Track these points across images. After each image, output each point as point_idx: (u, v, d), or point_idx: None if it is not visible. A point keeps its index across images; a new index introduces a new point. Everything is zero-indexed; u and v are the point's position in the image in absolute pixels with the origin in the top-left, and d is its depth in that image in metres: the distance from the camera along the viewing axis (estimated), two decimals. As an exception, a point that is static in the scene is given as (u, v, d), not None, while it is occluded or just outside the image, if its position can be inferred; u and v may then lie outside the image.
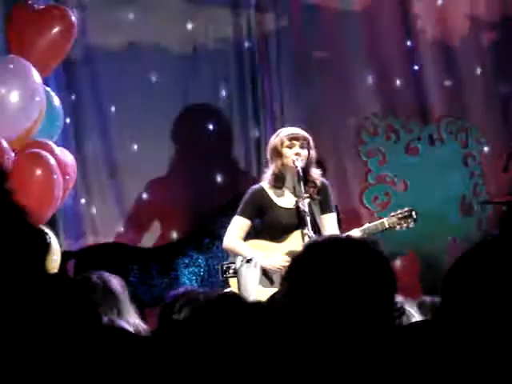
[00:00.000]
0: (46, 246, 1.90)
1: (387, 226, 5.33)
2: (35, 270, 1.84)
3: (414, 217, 5.43)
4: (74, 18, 5.53)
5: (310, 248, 2.07)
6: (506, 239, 1.89)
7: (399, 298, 2.60)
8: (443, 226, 7.19)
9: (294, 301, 1.98)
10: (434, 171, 7.23)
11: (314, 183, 5.31)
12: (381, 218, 5.52)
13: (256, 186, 5.35)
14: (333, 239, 2.12)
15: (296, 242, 5.14)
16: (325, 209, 5.34)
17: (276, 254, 5.11)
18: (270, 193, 5.29)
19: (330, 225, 5.31)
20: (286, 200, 5.29)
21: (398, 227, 5.40)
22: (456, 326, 1.82)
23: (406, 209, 5.47)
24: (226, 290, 5.12)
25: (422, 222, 7.00)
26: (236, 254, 5.21)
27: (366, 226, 5.34)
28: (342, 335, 1.93)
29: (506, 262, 1.84)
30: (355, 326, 1.94)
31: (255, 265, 4.75)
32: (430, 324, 2.18)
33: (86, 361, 1.88)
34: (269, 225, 5.27)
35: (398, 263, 7.07)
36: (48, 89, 5.64)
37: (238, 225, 5.27)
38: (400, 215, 5.41)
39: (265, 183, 5.33)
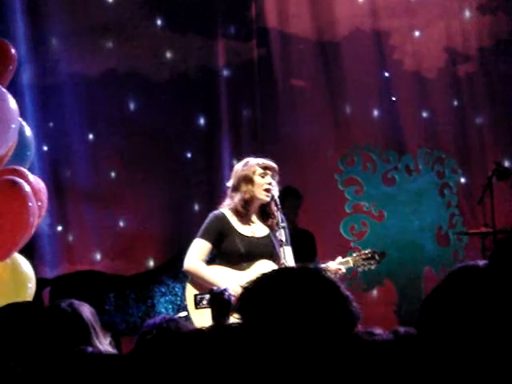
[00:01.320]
0: None
1: (351, 265, 5.37)
2: None
3: (377, 258, 5.47)
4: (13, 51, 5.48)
5: (260, 280, 2.08)
6: (493, 271, 1.89)
7: (378, 331, 2.59)
8: (419, 256, 7.22)
9: (244, 326, 1.98)
10: (411, 201, 7.27)
11: (274, 216, 5.32)
12: (353, 250, 5.54)
13: (217, 212, 5.32)
14: (282, 270, 2.14)
15: (261, 271, 5.10)
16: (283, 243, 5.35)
17: (235, 282, 5.09)
18: (232, 219, 5.28)
19: (288, 257, 5.31)
20: (247, 228, 5.29)
21: (360, 268, 5.46)
22: (430, 352, 1.82)
23: (369, 250, 5.50)
24: (180, 315, 5.10)
25: (398, 252, 7.05)
26: (198, 277, 5.18)
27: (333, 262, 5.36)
28: (290, 361, 1.93)
29: (482, 292, 1.85)
30: (306, 353, 1.94)
31: (228, 296, 4.72)
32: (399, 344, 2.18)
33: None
34: (227, 251, 5.25)
35: (374, 293, 7.08)
36: (19, 118, 5.63)
37: (200, 247, 5.24)
38: (364, 256, 5.45)
39: (225, 210, 5.32)
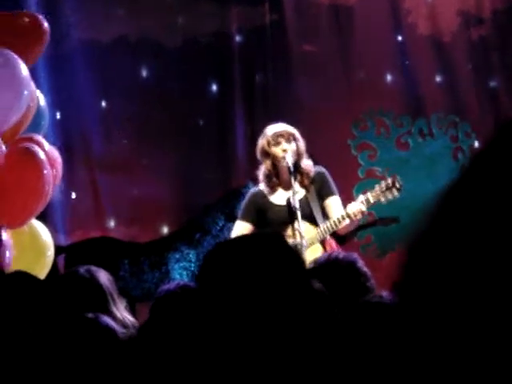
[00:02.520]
0: None
1: (372, 202, 5.29)
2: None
3: (397, 186, 5.37)
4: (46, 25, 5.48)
5: (215, 249, 2.11)
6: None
7: (387, 295, 2.60)
8: (433, 221, 7.19)
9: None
10: (424, 165, 7.25)
11: (308, 174, 5.32)
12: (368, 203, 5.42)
13: (254, 189, 5.39)
14: (236, 239, 2.18)
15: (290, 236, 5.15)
16: (324, 195, 5.34)
17: None
18: (267, 193, 5.32)
19: (334, 207, 5.31)
20: (280, 197, 5.31)
21: (382, 199, 5.34)
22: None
23: (387, 180, 5.41)
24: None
25: (411, 217, 7.03)
26: None
27: (353, 204, 5.29)
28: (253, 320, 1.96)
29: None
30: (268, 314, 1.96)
31: None
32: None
33: (63, 356, 1.89)
34: (269, 223, 5.29)
35: (387, 259, 7.08)
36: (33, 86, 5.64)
37: (240, 229, 5.31)
38: (384, 187, 5.36)
39: (261, 184, 5.37)
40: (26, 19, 5.38)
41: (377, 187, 5.38)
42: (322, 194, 5.35)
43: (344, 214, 5.21)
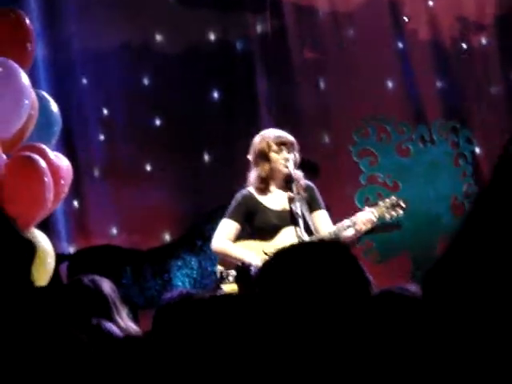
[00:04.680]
0: (32, 255, 1.92)
1: (377, 216, 5.29)
2: (20, 278, 1.86)
3: (402, 205, 5.37)
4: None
5: (278, 255, 2.11)
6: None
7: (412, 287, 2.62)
8: (435, 227, 7.21)
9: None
10: (426, 172, 7.25)
11: (301, 185, 5.33)
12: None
13: (244, 191, 5.35)
14: (299, 245, 2.17)
15: (284, 240, 5.14)
16: (314, 207, 5.34)
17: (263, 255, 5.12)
18: (258, 196, 5.30)
19: (322, 221, 5.30)
20: (273, 202, 5.31)
21: (387, 216, 5.33)
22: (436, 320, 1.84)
23: (392, 198, 5.41)
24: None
25: (414, 223, 7.04)
26: (226, 256, 5.22)
27: (355, 217, 5.29)
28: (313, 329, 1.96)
29: (483, 256, 1.85)
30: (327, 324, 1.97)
31: (253, 272, 4.76)
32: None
33: (67, 363, 1.90)
34: (259, 227, 5.28)
35: (389, 264, 7.09)
36: (45, 94, 5.66)
37: (227, 227, 5.28)
38: (388, 204, 5.36)
39: (251, 188, 5.34)
40: (8, 18, 5.35)
41: (381, 203, 5.37)
42: (312, 205, 5.34)
43: (350, 221, 5.18)
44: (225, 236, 5.25)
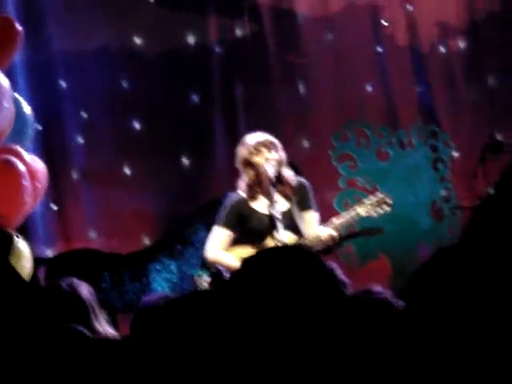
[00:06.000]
0: (8, 244, 1.92)
1: (363, 214, 5.30)
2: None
3: (388, 202, 5.38)
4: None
5: (245, 262, 2.13)
6: (468, 245, 1.91)
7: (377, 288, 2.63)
8: (414, 230, 7.23)
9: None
10: (405, 176, 7.27)
11: (289, 185, 5.30)
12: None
13: (234, 195, 5.32)
14: (267, 251, 2.20)
15: (272, 245, 5.14)
16: (303, 207, 5.31)
17: None
18: (248, 200, 5.29)
19: (308, 222, 5.28)
20: (262, 205, 5.29)
21: (373, 214, 5.34)
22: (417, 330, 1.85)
23: (380, 194, 5.42)
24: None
25: (392, 226, 7.06)
26: (221, 266, 5.19)
27: (342, 218, 5.30)
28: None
29: (467, 268, 1.87)
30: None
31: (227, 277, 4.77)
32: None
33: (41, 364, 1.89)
34: (251, 232, 5.26)
35: (369, 268, 7.10)
36: (18, 96, 5.62)
37: (220, 236, 5.25)
38: (375, 201, 5.37)
39: (241, 192, 5.32)
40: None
41: (367, 201, 5.37)
42: (301, 205, 5.32)
43: (314, 235, 5.19)
44: (218, 246, 5.22)
